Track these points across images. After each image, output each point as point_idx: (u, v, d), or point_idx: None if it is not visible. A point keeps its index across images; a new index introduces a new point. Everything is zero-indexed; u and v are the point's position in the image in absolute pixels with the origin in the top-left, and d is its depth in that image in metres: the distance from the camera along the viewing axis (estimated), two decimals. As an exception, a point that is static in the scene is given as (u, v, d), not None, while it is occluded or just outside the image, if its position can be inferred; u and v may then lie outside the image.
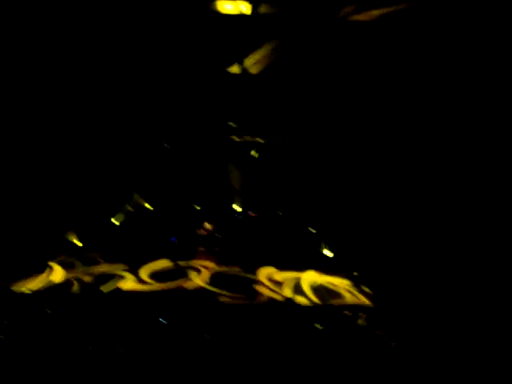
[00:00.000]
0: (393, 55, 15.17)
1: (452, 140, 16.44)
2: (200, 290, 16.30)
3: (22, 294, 14.92)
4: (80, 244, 19.11)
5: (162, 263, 18.18)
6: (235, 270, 18.19)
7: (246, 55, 16.10)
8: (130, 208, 21.44)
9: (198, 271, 17.78)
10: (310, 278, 17.72)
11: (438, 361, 11.05)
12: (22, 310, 12.90)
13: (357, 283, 17.06)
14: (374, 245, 17.94)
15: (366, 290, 16.71)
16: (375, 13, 13.31)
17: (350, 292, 16.58)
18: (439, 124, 16.56)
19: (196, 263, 18.67)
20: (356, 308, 14.70)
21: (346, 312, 13.86)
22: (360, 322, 13.40)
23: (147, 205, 21.98)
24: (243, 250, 19.73)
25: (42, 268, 16.95)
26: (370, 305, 15.51)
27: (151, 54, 15.91)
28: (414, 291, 15.26)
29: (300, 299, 15.69)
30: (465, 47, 14.18)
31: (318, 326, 13.13)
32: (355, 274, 17.20)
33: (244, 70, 16.76)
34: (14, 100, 16.26)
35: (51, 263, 17.70)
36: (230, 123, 20.26)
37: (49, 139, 18.26)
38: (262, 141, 20.87)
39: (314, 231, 20.86)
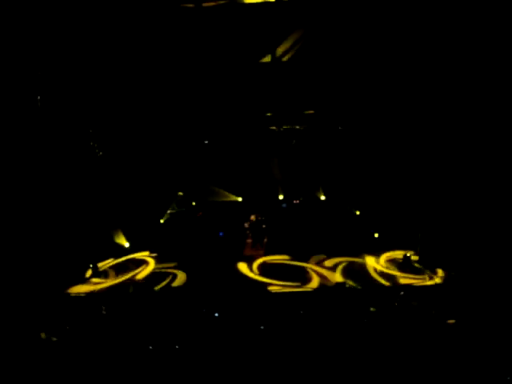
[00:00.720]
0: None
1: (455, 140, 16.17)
2: (250, 281, 16.42)
3: (78, 297, 15.36)
4: (127, 245, 19.52)
5: (212, 258, 18.39)
6: (285, 258, 18.21)
7: (276, 44, 15.97)
8: (175, 207, 21.72)
9: (248, 263, 17.88)
10: (360, 261, 17.58)
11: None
12: (78, 313, 13.23)
13: (408, 263, 16.80)
14: (423, 225, 17.58)
15: (419, 267, 16.46)
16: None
17: (402, 272, 16.34)
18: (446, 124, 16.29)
19: (245, 255, 18.81)
20: (409, 288, 14.43)
21: (400, 293, 13.59)
22: (414, 302, 13.12)
23: (192, 202, 22.22)
24: (291, 239, 19.71)
25: (94, 272, 17.41)
26: (425, 284, 15.28)
27: (187, 50, 15.99)
28: (467, 269, 14.93)
29: (351, 283, 15.58)
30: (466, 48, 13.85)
31: (372, 308, 12.95)
32: (408, 254, 16.91)
33: (276, 60, 16.64)
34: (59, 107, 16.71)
35: (103, 267, 18.19)
36: (268, 113, 20.19)
37: (94, 144, 18.67)
38: (299, 128, 20.72)
39: (358, 213, 20.68)
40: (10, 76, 14.12)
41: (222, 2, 13.27)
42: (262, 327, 11.98)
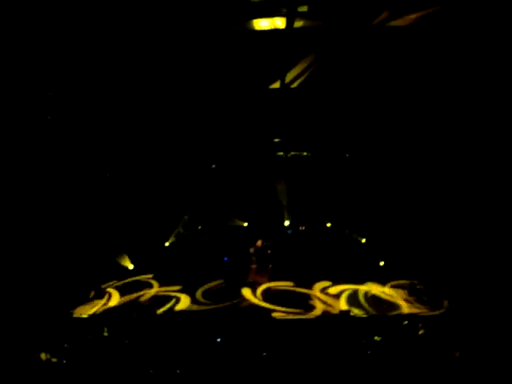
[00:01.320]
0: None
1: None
2: (254, 307, 16.31)
3: (81, 319, 15.31)
4: (131, 267, 19.50)
5: (216, 283, 18.36)
6: (289, 285, 18.12)
7: (286, 70, 16.12)
8: (181, 230, 21.73)
9: (252, 288, 17.80)
10: (365, 289, 17.45)
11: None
12: (81, 335, 13.16)
13: (414, 293, 16.65)
14: (429, 254, 17.48)
15: (424, 299, 16.30)
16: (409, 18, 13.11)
17: (407, 302, 16.19)
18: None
19: (249, 280, 18.72)
20: (414, 318, 14.26)
21: (404, 322, 13.44)
22: (420, 332, 12.97)
23: (198, 226, 22.23)
24: (296, 265, 19.64)
25: (98, 293, 17.37)
26: (429, 314, 15.11)
27: (195, 77, 16.16)
28: (472, 299, 14.77)
29: (356, 311, 15.44)
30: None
31: (376, 337, 12.81)
32: (414, 283, 16.80)
33: (285, 86, 16.78)
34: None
35: (107, 288, 18.16)
36: (276, 139, 20.29)
37: (100, 168, 18.80)
38: (307, 154, 20.79)
39: (363, 241, 20.60)
40: (19, 95, 14.34)
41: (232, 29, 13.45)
42: (264, 354, 11.87)
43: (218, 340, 12.70)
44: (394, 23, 13.12)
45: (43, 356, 11.80)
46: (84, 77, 15.04)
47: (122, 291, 17.94)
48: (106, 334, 13.06)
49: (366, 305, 16.07)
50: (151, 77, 15.93)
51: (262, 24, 13.37)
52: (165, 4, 11.43)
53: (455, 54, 13.72)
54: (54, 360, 11.74)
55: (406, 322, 13.28)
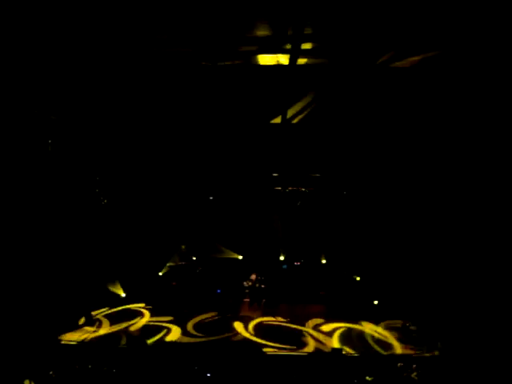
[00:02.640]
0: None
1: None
2: (245, 341, 16.09)
3: (69, 345, 15.06)
4: (123, 295, 19.33)
5: (208, 315, 18.19)
6: (282, 320, 17.95)
7: (288, 106, 16.31)
8: (176, 260, 21.64)
9: (244, 322, 17.61)
10: (359, 328, 17.28)
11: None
12: (68, 361, 12.94)
13: (407, 333, 16.48)
14: (424, 293, 17.35)
15: (417, 339, 16.12)
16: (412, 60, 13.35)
17: (400, 342, 16.00)
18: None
19: (242, 314, 18.55)
20: (408, 359, 14.09)
21: (398, 364, 13.25)
22: (413, 374, 12.79)
23: (193, 257, 22.14)
24: (289, 301, 19.51)
25: (88, 320, 17.17)
26: (423, 356, 14.92)
27: (197, 106, 16.34)
28: (466, 340, 14.61)
29: (349, 350, 15.25)
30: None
31: (368, 378, 12.62)
32: (407, 324, 16.66)
33: (286, 121, 16.95)
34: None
35: (97, 315, 17.95)
36: (274, 174, 20.38)
37: (100, 191, 18.83)
38: (305, 190, 20.88)
39: (358, 279, 20.48)
40: (22, 118, 14.45)
41: (237, 62, 13.66)
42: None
43: (208, 375, 12.51)
44: (397, 64, 13.41)
45: (27, 383, 11.59)
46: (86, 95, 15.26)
47: (113, 319, 17.76)
48: (93, 363, 12.86)
49: (358, 344, 15.88)
50: (151, 103, 16.14)
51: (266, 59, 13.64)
52: (170, 30, 11.61)
53: (453, 96, 13.96)
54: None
55: (401, 364, 13.09)
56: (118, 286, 19.32)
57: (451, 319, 15.79)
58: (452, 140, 15.50)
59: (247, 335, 16.55)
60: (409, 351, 15.25)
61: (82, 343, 15.35)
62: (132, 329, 16.88)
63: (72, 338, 15.77)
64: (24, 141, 14.99)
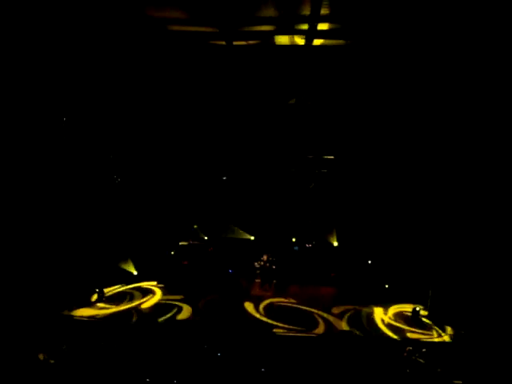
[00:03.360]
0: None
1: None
2: (256, 321, 16.18)
3: (81, 321, 15.26)
4: (136, 273, 19.49)
5: (219, 295, 18.29)
6: (292, 302, 18.00)
7: (303, 87, 16.18)
8: (188, 239, 21.70)
9: (255, 303, 17.68)
10: (370, 311, 17.29)
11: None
12: (80, 337, 13.11)
13: (418, 317, 16.46)
14: (436, 277, 17.29)
15: (428, 323, 16.12)
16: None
17: (410, 326, 16.01)
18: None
19: (252, 295, 18.62)
20: (418, 343, 14.09)
21: (407, 348, 13.25)
22: (421, 358, 12.79)
23: (205, 237, 22.18)
24: (300, 282, 19.54)
25: (100, 297, 17.35)
26: (433, 340, 14.92)
27: (213, 87, 16.29)
28: (477, 324, 14.56)
29: (358, 333, 15.27)
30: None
31: (376, 360, 12.65)
32: (417, 308, 16.62)
33: (301, 102, 16.84)
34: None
35: (109, 292, 18.14)
36: (288, 155, 20.28)
37: (114, 169, 18.87)
38: (318, 171, 20.77)
39: (369, 262, 20.41)
40: (36, 97, 14.46)
41: (252, 42, 13.54)
42: (262, 369, 11.74)
43: (218, 354, 12.59)
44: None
45: (41, 357, 11.77)
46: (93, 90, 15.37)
47: (124, 297, 17.95)
48: (104, 338, 13.01)
49: (368, 327, 15.91)
50: (167, 85, 16.11)
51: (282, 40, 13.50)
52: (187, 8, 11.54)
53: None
54: (51, 361, 11.70)
55: (410, 348, 13.09)
56: (131, 264, 19.48)
57: (462, 304, 15.76)
58: (467, 123, 15.27)
59: (258, 316, 16.64)
60: (418, 336, 15.29)
61: (93, 319, 15.57)
62: (143, 306, 17.06)
63: (84, 313, 16.00)
64: (39, 120, 15.03)
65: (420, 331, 15.62)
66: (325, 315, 16.71)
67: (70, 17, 11.76)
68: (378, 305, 17.74)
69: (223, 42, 13.57)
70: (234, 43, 13.61)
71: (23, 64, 12.93)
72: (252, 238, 22.46)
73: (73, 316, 15.59)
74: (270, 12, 11.45)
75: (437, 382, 11.48)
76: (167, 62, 15.02)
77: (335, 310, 17.24)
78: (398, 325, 16.16)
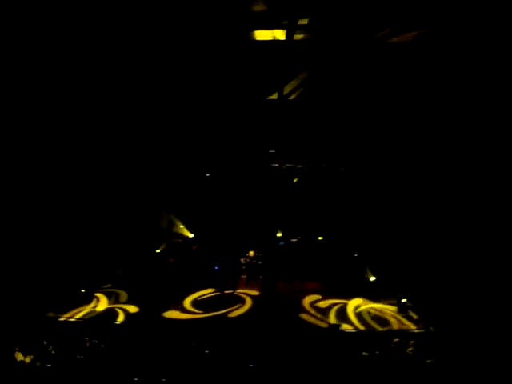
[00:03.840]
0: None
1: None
2: (243, 317, 16.18)
3: (69, 323, 15.14)
4: (122, 273, 19.40)
5: (206, 292, 18.26)
6: (279, 297, 18.03)
7: (284, 82, 16.15)
8: (173, 237, 21.64)
9: (241, 299, 17.68)
10: (355, 304, 17.38)
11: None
12: (68, 339, 13.00)
13: (404, 309, 16.58)
14: (420, 269, 17.42)
15: (414, 316, 16.23)
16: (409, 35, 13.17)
17: (396, 318, 16.12)
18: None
19: (239, 291, 18.62)
20: (404, 335, 14.20)
21: (394, 339, 13.34)
22: (408, 349, 12.89)
23: (189, 234, 22.13)
24: (287, 278, 19.58)
25: (87, 298, 17.24)
26: (418, 331, 15.04)
27: (193, 83, 16.18)
28: (462, 315, 14.70)
29: (346, 326, 15.35)
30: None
31: (364, 353, 12.72)
32: (403, 300, 16.72)
33: (283, 97, 16.80)
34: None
35: (96, 293, 18.02)
36: (271, 151, 20.27)
37: (97, 170, 18.74)
38: (302, 166, 20.80)
39: (356, 255, 20.53)
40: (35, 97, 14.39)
41: (232, 38, 13.48)
42: (251, 365, 11.76)
43: (206, 351, 12.58)
44: (393, 40, 13.25)
45: (27, 359, 11.68)
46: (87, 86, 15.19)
47: (110, 296, 17.87)
48: (91, 339, 12.92)
49: (355, 320, 15.99)
50: (150, 84, 15.98)
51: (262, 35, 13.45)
52: (166, 11, 11.46)
53: (451, 72, 13.86)
54: (37, 364, 11.62)
55: (397, 340, 13.18)
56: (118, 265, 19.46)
57: (447, 295, 15.91)
58: (450, 116, 15.39)
59: (245, 311, 16.65)
60: (404, 327, 15.40)
61: (80, 320, 15.46)
62: (130, 307, 16.98)
63: (70, 314, 15.87)
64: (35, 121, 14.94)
65: (406, 322, 15.76)
66: (312, 310, 16.77)
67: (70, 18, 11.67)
68: (364, 297, 17.85)
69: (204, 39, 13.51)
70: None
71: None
72: (237, 233, 22.46)
73: (58, 317, 15.48)
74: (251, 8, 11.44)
75: (426, 372, 11.58)
76: (147, 60, 14.92)
77: (322, 304, 17.31)
78: (384, 317, 16.28)
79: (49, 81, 14.48)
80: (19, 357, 11.66)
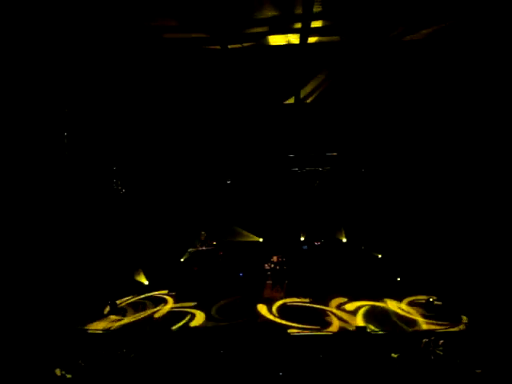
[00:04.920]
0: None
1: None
2: (269, 323, 16.15)
3: (96, 334, 15.26)
4: (147, 282, 19.52)
5: (231, 299, 18.28)
6: (305, 301, 17.96)
7: (301, 86, 16.18)
8: (197, 246, 21.71)
9: (268, 305, 17.66)
10: (382, 306, 17.22)
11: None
12: (95, 350, 13.11)
13: (431, 309, 16.37)
14: (446, 269, 17.23)
15: (443, 314, 16.01)
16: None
17: (425, 318, 15.93)
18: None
19: (265, 297, 18.60)
20: (433, 335, 14.00)
21: (423, 340, 13.17)
22: (437, 350, 12.71)
23: (214, 242, 22.19)
24: (312, 281, 19.49)
25: (112, 309, 17.36)
26: (447, 331, 14.83)
27: (211, 91, 16.34)
28: (492, 315, 14.47)
29: (373, 328, 15.21)
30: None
31: (393, 354, 12.58)
32: (431, 299, 16.51)
33: (300, 101, 16.83)
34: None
35: (121, 304, 18.17)
36: (291, 155, 20.29)
37: (118, 181, 18.95)
38: (322, 169, 20.76)
39: (379, 256, 20.36)
40: (37, 111, 14.56)
41: (246, 45, 13.56)
42: (280, 373, 11.70)
43: (233, 358, 12.56)
44: (408, 38, 13.18)
45: (58, 372, 11.80)
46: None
47: (137, 307, 17.98)
48: (120, 350, 13.00)
49: (382, 321, 15.84)
50: (165, 90, 16.16)
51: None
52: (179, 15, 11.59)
53: (465, 67, 13.75)
54: (68, 376, 11.73)
55: (426, 340, 13.01)
56: (141, 274, 19.54)
57: (477, 293, 15.68)
58: (469, 112, 15.25)
59: (271, 317, 16.61)
60: (433, 327, 15.20)
61: (107, 332, 15.58)
62: (156, 316, 17.07)
63: (98, 327, 16.01)
64: (40, 134, 15.12)
65: (435, 322, 15.56)
66: (338, 313, 16.67)
67: (66, 29, 11.83)
68: (391, 298, 17.68)
69: (218, 47, 13.61)
70: (229, 47, 13.64)
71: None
72: (261, 239, 22.48)
73: (87, 330, 15.63)
74: (263, 13, 11.50)
75: (457, 372, 11.39)
76: (165, 70, 15.09)
77: (348, 307, 17.19)
78: (412, 317, 16.10)
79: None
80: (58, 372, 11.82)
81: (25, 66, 12.89)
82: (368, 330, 14.49)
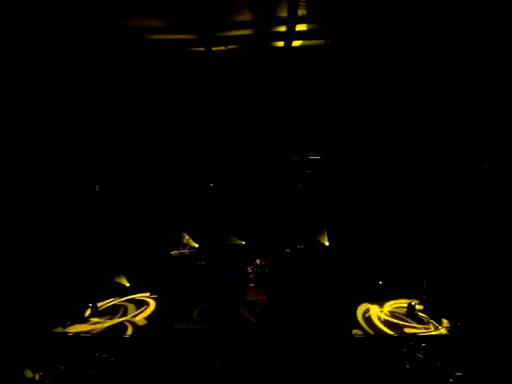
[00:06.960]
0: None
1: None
2: (251, 325, 16.10)
3: (76, 337, 15.09)
4: (128, 285, 19.35)
5: (213, 302, 18.20)
6: (287, 304, 17.93)
7: (284, 88, 16.24)
8: (180, 248, 21.59)
9: (250, 307, 17.60)
10: (365, 309, 17.27)
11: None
12: (75, 353, 12.96)
13: (413, 312, 16.49)
14: (428, 272, 17.35)
15: (425, 318, 16.14)
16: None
17: (406, 322, 16.02)
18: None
19: (247, 299, 18.54)
20: (414, 338, 14.12)
21: (410, 343, 13.26)
22: (418, 353, 12.79)
23: (195, 244, 22.08)
24: (294, 284, 19.48)
25: (94, 311, 17.18)
26: (429, 334, 14.94)
27: (193, 93, 16.32)
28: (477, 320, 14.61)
29: (356, 331, 15.25)
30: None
31: (376, 357, 12.64)
32: (413, 303, 16.62)
33: (283, 103, 16.90)
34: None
35: (102, 306, 17.98)
36: (274, 158, 20.30)
37: (99, 183, 18.80)
38: (306, 172, 20.79)
39: (365, 260, 20.42)
40: (17, 113, 14.42)
41: (231, 47, 13.59)
42: (261, 373, 11.70)
43: (216, 362, 12.51)
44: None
45: (37, 376, 11.64)
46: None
47: (118, 310, 17.81)
48: (101, 353, 12.88)
49: (364, 324, 15.89)
50: (148, 93, 16.10)
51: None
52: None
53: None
54: (47, 381, 11.58)
55: (412, 343, 13.10)
56: (123, 277, 19.35)
57: (458, 296, 15.81)
58: (453, 114, 15.39)
59: (254, 320, 16.57)
60: (415, 330, 15.30)
61: (88, 335, 15.41)
62: (138, 318, 16.93)
63: (79, 329, 15.83)
64: (21, 135, 14.94)
65: (416, 325, 15.65)
66: (321, 316, 16.65)
67: (47, 32, 11.74)
68: (372, 302, 17.73)
69: (202, 49, 13.60)
70: (214, 49, 13.64)
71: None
72: (243, 242, 22.40)
73: (67, 332, 15.43)
74: (247, 16, 11.51)
75: (437, 375, 11.48)
76: (148, 72, 15.03)
77: (332, 310, 17.18)
78: (394, 320, 16.17)
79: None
80: (28, 374, 11.63)
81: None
82: (351, 334, 14.59)
